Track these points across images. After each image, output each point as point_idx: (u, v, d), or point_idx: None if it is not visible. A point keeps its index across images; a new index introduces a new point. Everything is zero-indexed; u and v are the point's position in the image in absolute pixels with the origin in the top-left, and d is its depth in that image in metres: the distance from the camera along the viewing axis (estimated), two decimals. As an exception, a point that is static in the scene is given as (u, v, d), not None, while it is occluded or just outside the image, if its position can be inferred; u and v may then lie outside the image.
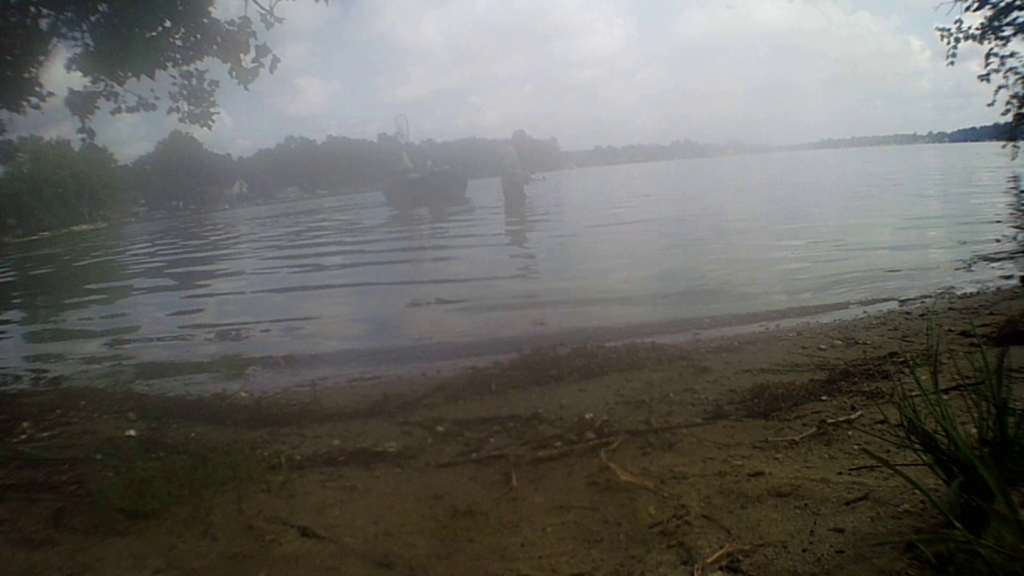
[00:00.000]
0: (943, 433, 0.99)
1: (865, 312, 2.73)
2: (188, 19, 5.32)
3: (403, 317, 3.79)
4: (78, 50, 5.28)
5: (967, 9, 8.11)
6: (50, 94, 5.21)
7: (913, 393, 1.23)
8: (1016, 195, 8.33)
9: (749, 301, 3.21)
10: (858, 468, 1.26)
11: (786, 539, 1.05)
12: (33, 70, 5.13)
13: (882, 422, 1.42)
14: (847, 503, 1.13)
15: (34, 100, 5.16)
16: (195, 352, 3.19)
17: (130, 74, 5.44)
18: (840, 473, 1.25)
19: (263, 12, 5.55)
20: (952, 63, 8.70)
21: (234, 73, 5.65)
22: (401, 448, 1.64)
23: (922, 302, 2.84)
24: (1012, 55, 8.03)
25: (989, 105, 8.41)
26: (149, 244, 11.37)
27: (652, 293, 3.71)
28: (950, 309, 2.60)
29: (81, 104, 5.56)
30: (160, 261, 9.92)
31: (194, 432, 1.89)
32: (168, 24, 5.32)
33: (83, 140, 5.80)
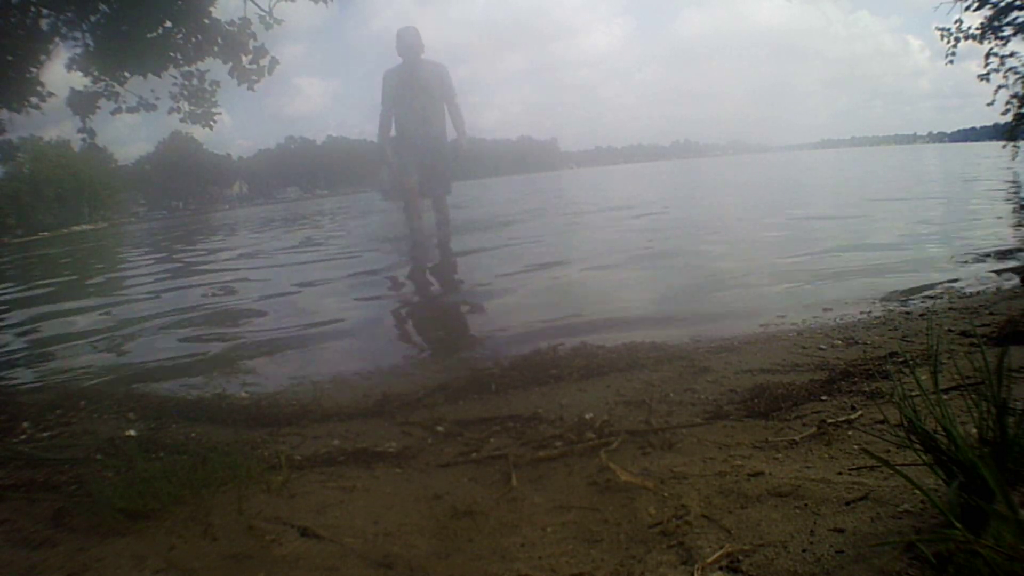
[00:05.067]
0: (943, 433, 0.99)
1: (865, 312, 2.73)
2: (188, 20, 5.33)
3: (404, 315, 3.79)
4: (79, 50, 5.28)
5: (967, 9, 8.14)
6: (50, 94, 5.23)
7: (913, 393, 1.23)
8: (1016, 195, 8.33)
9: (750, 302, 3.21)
10: (858, 468, 1.26)
11: (786, 539, 1.05)
12: (34, 70, 5.14)
13: (882, 422, 1.42)
14: (847, 503, 1.13)
15: (34, 100, 5.17)
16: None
17: (128, 74, 5.44)
18: (840, 473, 1.25)
19: (262, 13, 5.55)
20: (951, 63, 8.73)
21: (236, 74, 5.66)
22: (401, 448, 1.64)
23: (922, 302, 2.83)
24: (1012, 55, 8.06)
25: (989, 105, 8.45)
26: (145, 266, 8.77)
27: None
28: (950, 309, 2.60)
29: (82, 104, 5.57)
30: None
31: (194, 432, 1.89)
32: (168, 25, 5.33)
33: (83, 140, 5.81)
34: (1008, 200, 7.53)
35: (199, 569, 1.14)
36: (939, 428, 1.00)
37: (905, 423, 1.06)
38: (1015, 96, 8.29)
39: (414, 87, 6.24)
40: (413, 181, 6.38)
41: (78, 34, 5.13)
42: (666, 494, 1.25)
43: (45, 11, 4.95)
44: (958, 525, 0.83)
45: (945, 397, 1.06)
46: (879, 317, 2.60)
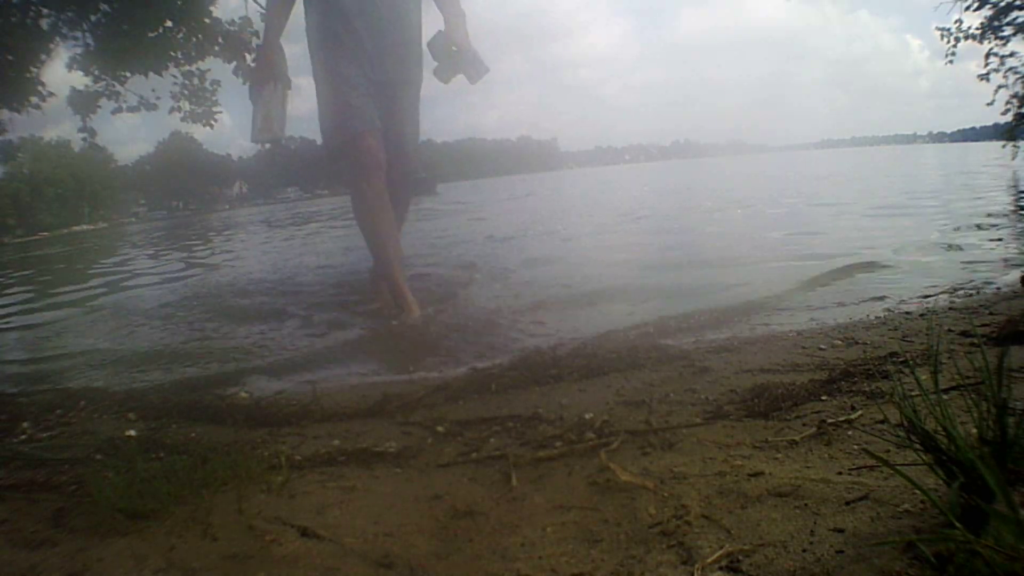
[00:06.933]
0: (943, 433, 0.99)
1: (865, 312, 2.73)
2: (189, 19, 5.33)
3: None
4: (79, 50, 5.29)
5: (967, 9, 8.17)
6: (51, 94, 5.24)
7: (913, 393, 1.23)
8: (1015, 194, 8.32)
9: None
10: (858, 468, 1.26)
11: (786, 539, 1.05)
12: (34, 70, 5.14)
13: (882, 422, 1.42)
14: (847, 503, 1.13)
15: (35, 100, 5.18)
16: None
17: (129, 74, 5.44)
18: (840, 473, 1.25)
19: (263, 12, 5.56)
20: (951, 63, 8.77)
21: (240, 72, 5.65)
22: (401, 448, 1.64)
23: (922, 302, 2.83)
24: (1012, 55, 8.10)
25: (988, 105, 8.49)
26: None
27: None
28: (950, 309, 2.60)
29: (82, 103, 5.57)
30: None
31: (194, 432, 1.89)
32: (169, 24, 5.33)
33: (84, 140, 5.82)
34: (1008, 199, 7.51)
35: (199, 569, 1.14)
36: (939, 428, 1.00)
37: (905, 423, 1.06)
38: (1015, 96, 8.31)
39: None
40: (370, 122, 3.01)
41: (79, 34, 5.13)
42: (666, 494, 1.25)
43: (45, 11, 4.95)
44: (958, 525, 0.83)
45: (945, 397, 1.06)
46: (879, 317, 2.60)
